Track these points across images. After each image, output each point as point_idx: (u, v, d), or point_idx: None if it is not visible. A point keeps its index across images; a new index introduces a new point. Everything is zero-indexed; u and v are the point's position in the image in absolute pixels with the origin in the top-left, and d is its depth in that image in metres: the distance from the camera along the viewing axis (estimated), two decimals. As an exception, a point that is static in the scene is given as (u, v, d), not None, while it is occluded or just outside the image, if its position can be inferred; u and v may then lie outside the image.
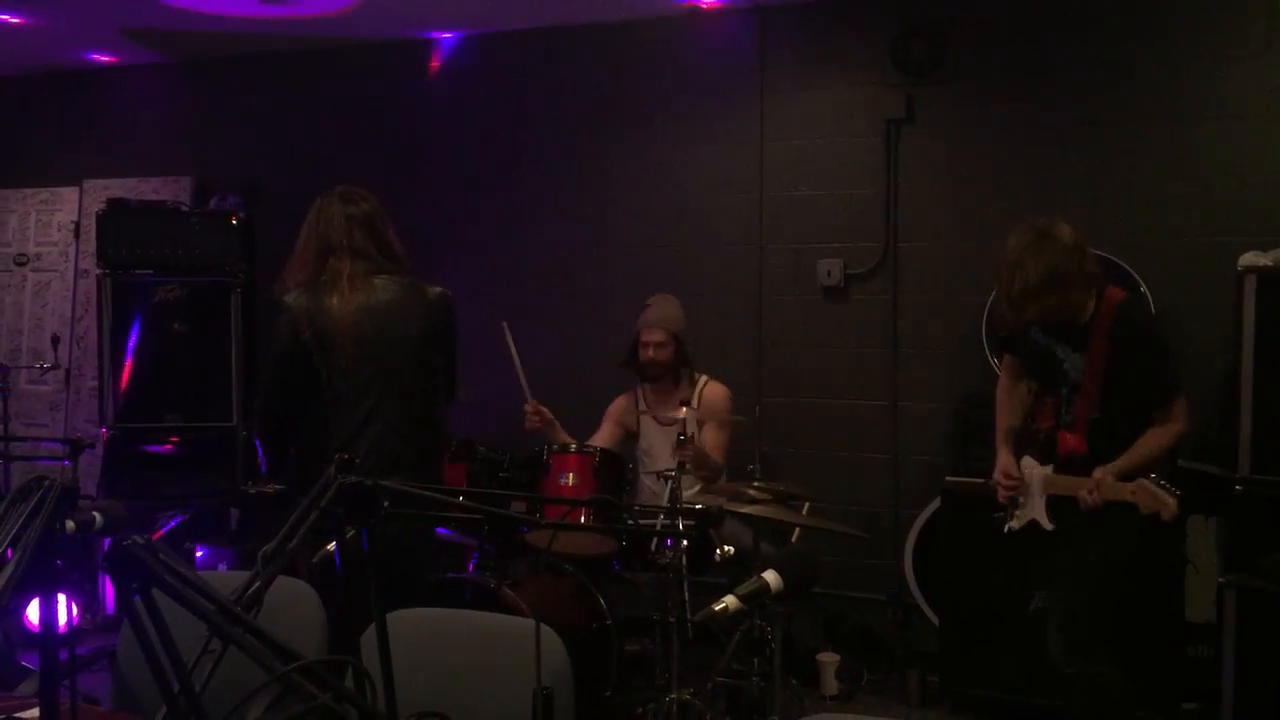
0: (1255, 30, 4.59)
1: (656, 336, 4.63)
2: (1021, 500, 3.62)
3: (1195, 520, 4.27)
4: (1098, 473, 3.36)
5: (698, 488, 4.42)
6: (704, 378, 4.76)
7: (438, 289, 3.43)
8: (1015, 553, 3.81)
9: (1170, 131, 4.72)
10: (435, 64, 6.06)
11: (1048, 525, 3.52)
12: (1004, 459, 3.68)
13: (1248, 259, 4.12)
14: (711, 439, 4.57)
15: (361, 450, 3.26)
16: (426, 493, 1.69)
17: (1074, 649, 3.45)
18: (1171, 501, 3.24)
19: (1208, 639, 4.18)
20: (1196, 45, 4.69)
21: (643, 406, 4.79)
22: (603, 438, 4.78)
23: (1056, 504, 3.52)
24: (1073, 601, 3.49)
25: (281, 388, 3.37)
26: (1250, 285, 4.02)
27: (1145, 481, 3.28)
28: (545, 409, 4.53)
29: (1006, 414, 3.78)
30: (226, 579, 2.87)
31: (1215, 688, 4.02)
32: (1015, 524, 3.65)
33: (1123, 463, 3.38)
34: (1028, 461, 3.62)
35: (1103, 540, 3.46)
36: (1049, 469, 3.54)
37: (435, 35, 6.00)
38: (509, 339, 4.43)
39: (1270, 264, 4.07)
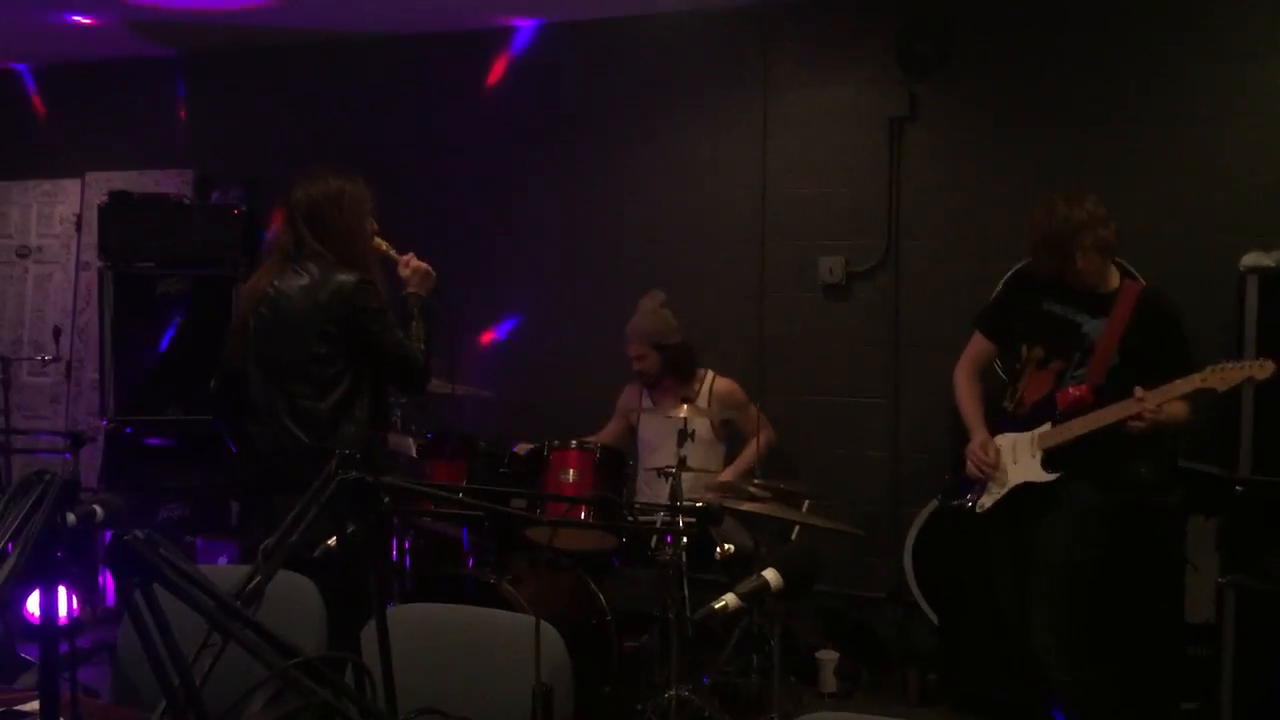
0: (1262, 31, 4.58)
1: (635, 350, 4.72)
2: (995, 475, 3.56)
3: (1195, 520, 4.27)
4: (1137, 391, 3.28)
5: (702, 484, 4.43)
6: (710, 373, 4.79)
7: (346, 278, 3.30)
8: (998, 543, 3.73)
9: (1174, 132, 4.72)
10: (441, 59, 6.05)
11: (1048, 477, 3.45)
12: (982, 433, 3.65)
13: (1250, 259, 4.12)
14: (751, 422, 4.65)
15: (262, 434, 3.35)
16: (426, 490, 1.68)
17: (1066, 649, 3.42)
18: (1267, 363, 3.21)
19: (1207, 639, 4.18)
20: (1202, 46, 4.68)
21: (646, 401, 4.81)
22: (608, 432, 4.83)
23: (1031, 491, 3.48)
24: (1061, 600, 3.45)
25: (220, 369, 3.49)
26: (1253, 285, 4.02)
27: (1214, 366, 3.23)
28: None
29: (973, 397, 3.76)
30: (227, 573, 2.87)
31: (1214, 688, 4.02)
32: (988, 501, 3.59)
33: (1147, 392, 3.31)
34: (1004, 436, 3.59)
35: (1085, 534, 3.44)
36: (1045, 427, 3.49)
37: (439, 30, 5.99)
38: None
39: (1273, 264, 4.06)
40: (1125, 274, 3.70)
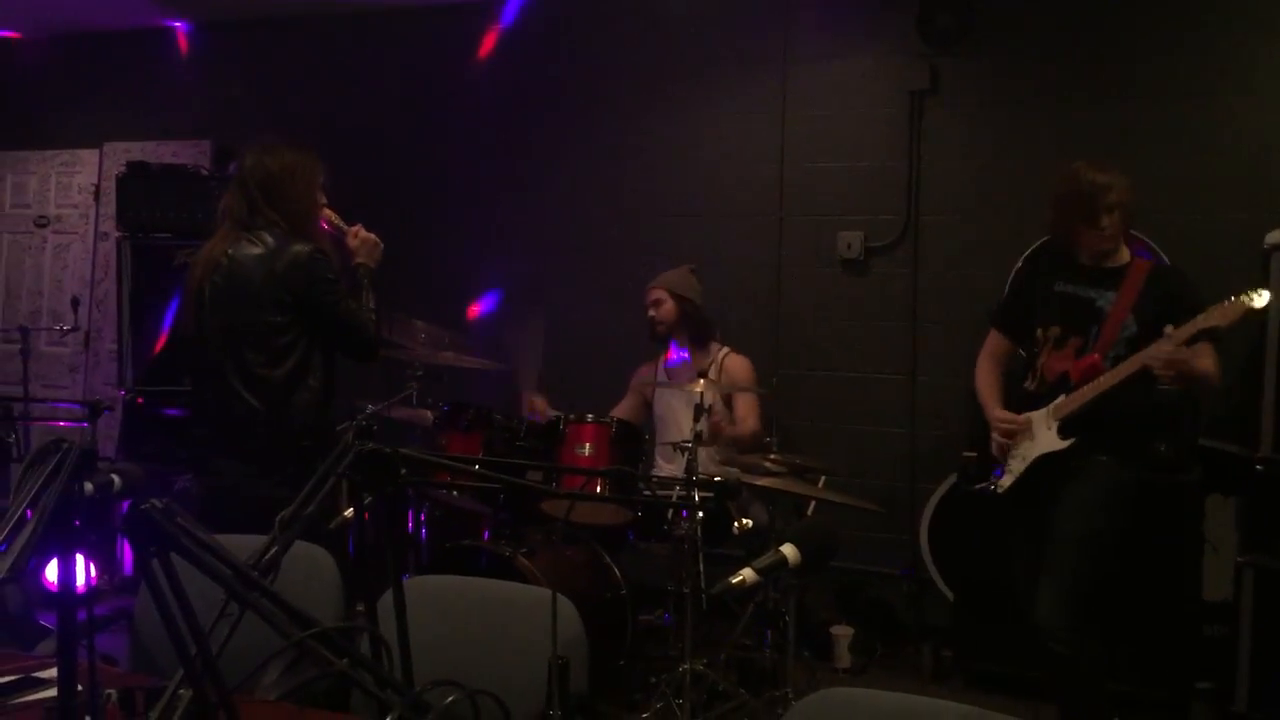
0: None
1: (653, 295, 4.72)
2: (1010, 460, 3.56)
3: (1214, 499, 4.25)
4: (1166, 328, 3.24)
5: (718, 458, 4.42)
6: (725, 349, 4.77)
7: (302, 248, 3.33)
8: (1018, 525, 3.67)
9: (1198, 108, 4.67)
10: (457, 30, 6.01)
11: (1062, 444, 3.42)
12: (1000, 409, 3.64)
13: (1274, 237, 4.08)
14: (745, 407, 4.61)
15: (210, 402, 3.40)
16: (444, 460, 1.68)
17: (1075, 625, 3.37)
18: (1263, 291, 3.18)
19: (1224, 618, 4.16)
20: (1227, 21, 4.63)
21: (661, 376, 4.79)
22: (624, 408, 4.82)
23: (1050, 464, 3.44)
24: (1077, 575, 3.41)
25: (184, 339, 3.57)
26: (1276, 263, 3.99)
27: (1210, 307, 3.19)
28: (541, 402, 4.61)
29: (993, 384, 3.77)
30: (243, 543, 2.88)
31: (1231, 667, 4.01)
32: (1007, 480, 3.58)
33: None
34: (1026, 415, 3.56)
35: (1105, 506, 3.40)
36: (1060, 399, 3.47)
37: (457, 4, 5.95)
38: (536, 335, 4.49)
39: (1297, 242, 4.03)
40: (1138, 253, 3.67)
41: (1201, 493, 4.24)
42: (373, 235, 3.57)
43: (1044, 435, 3.49)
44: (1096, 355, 3.41)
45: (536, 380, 4.61)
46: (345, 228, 3.57)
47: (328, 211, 3.55)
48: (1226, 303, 3.19)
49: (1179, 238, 4.55)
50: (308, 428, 3.36)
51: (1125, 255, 3.57)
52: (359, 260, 3.54)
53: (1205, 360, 3.27)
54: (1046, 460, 3.46)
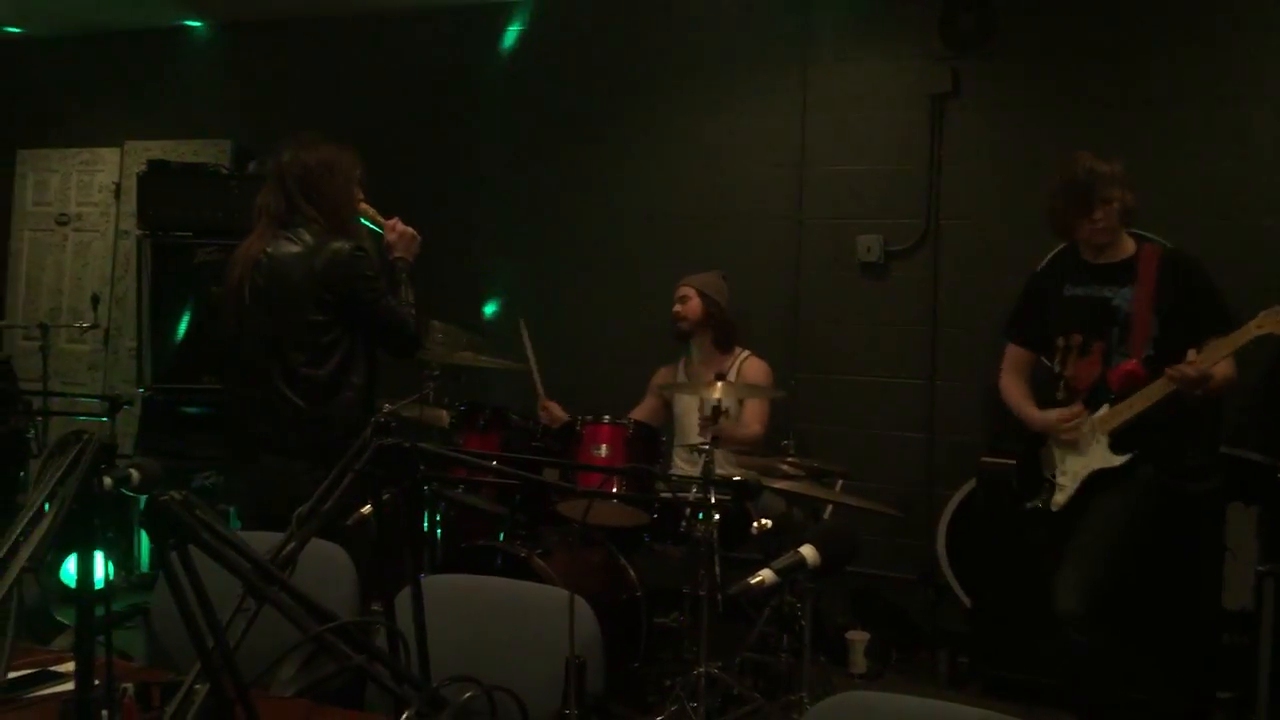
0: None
1: (682, 291, 4.75)
2: (1060, 476, 3.49)
3: (1235, 507, 4.21)
4: (1190, 354, 3.20)
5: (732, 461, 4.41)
6: (745, 353, 4.78)
7: (342, 245, 3.32)
8: (1050, 534, 3.64)
9: (1219, 112, 4.63)
10: (476, 30, 6.02)
11: (1118, 460, 3.36)
12: (1050, 412, 3.55)
13: (1298, 242, 4.05)
14: (751, 411, 4.62)
15: (251, 401, 3.37)
16: (462, 455, 1.67)
17: (1090, 614, 3.34)
18: None
19: (1245, 627, 4.12)
20: (1247, 24, 4.59)
21: (681, 378, 4.80)
22: (643, 409, 4.83)
23: (1102, 477, 3.39)
24: (1097, 563, 3.38)
25: (221, 338, 3.51)
26: (1303, 271, 3.95)
27: (1268, 310, 3.11)
28: (556, 407, 4.58)
29: (1025, 395, 3.69)
30: (261, 539, 2.88)
31: (1251, 677, 3.96)
32: (1062, 497, 3.50)
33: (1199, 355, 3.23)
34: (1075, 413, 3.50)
35: (1135, 503, 3.38)
36: (1103, 410, 3.40)
37: (477, 3, 5.96)
38: (525, 338, 4.50)
39: (1321, 248, 4.00)
40: (1142, 239, 3.63)
41: (1222, 500, 4.20)
42: (410, 229, 3.55)
43: (1094, 450, 3.42)
44: (1135, 362, 3.35)
45: (540, 383, 4.60)
46: (383, 221, 3.55)
47: (365, 206, 3.53)
48: (1259, 320, 3.11)
49: (1201, 241, 4.50)
50: (352, 425, 3.33)
51: (1129, 246, 3.51)
52: (397, 254, 3.51)
53: (1225, 366, 3.24)
54: (1100, 475, 3.41)
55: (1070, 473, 3.47)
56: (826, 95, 5.32)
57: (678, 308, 4.75)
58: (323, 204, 3.38)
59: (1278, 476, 3.97)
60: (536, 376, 4.60)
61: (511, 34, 5.97)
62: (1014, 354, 3.77)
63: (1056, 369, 3.58)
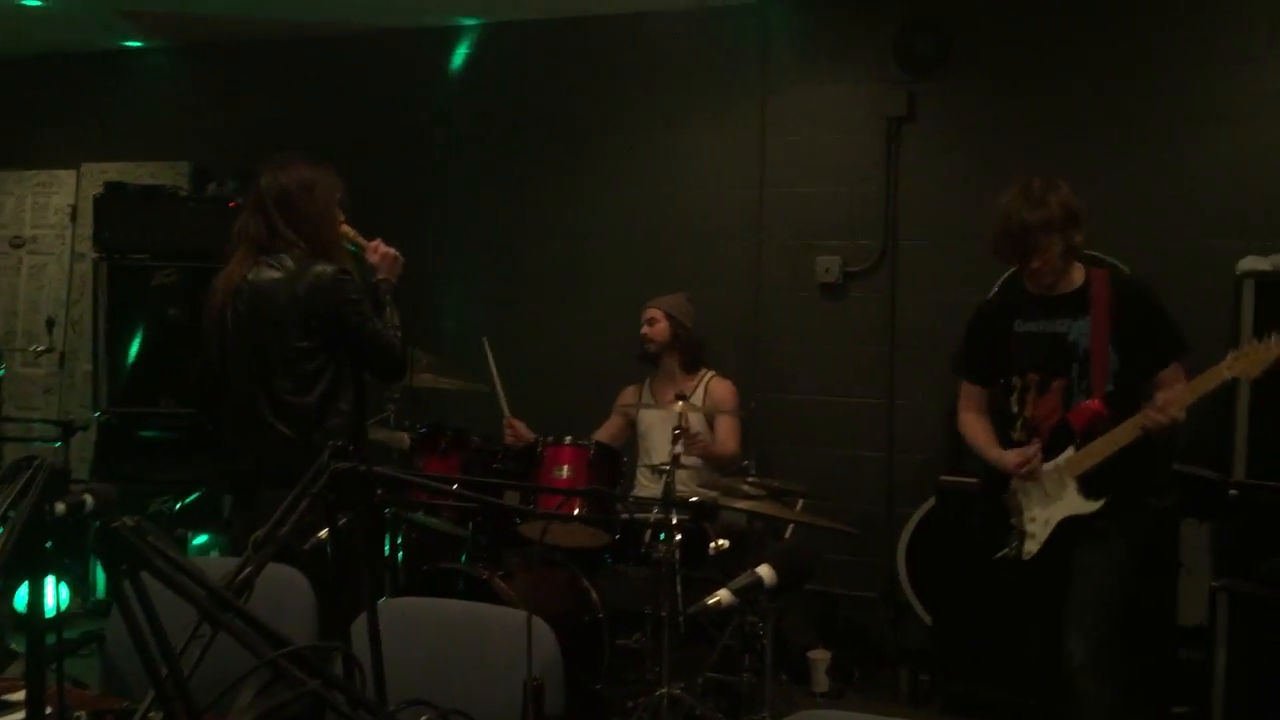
0: (1256, 34, 4.59)
1: (649, 314, 4.79)
2: (1029, 523, 3.31)
3: (1189, 523, 4.27)
4: (1158, 398, 3.10)
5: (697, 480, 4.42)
6: (710, 373, 4.82)
7: (324, 269, 3.26)
8: (1020, 580, 3.44)
9: (1171, 134, 4.72)
10: (435, 53, 6.03)
11: (1091, 506, 3.21)
12: (1012, 452, 3.35)
13: (1247, 263, 4.12)
14: (726, 430, 4.66)
15: (245, 429, 3.31)
16: (420, 480, 1.67)
17: (1099, 661, 3.19)
18: None
19: (1199, 643, 4.18)
20: (1198, 47, 4.68)
21: (646, 398, 4.82)
22: (607, 429, 4.84)
23: (1074, 523, 3.25)
24: (1099, 606, 3.23)
25: (200, 363, 3.46)
26: (1249, 290, 4.01)
27: (1236, 351, 3.05)
28: (521, 425, 4.57)
29: (986, 432, 3.49)
30: (217, 564, 2.85)
31: (1206, 692, 4.02)
32: (1033, 546, 3.31)
33: (1163, 395, 3.12)
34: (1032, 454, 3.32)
35: (1126, 534, 3.25)
36: (1068, 453, 3.25)
37: (436, 25, 5.97)
38: (489, 356, 4.49)
39: (1269, 269, 4.07)
40: (1092, 261, 3.51)
41: (1176, 517, 4.26)
42: (392, 250, 3.50)
43: (1064, 496, 3.27)
44: (1097, 401, 3.21)
45: (505, 401, 4.59)
46: (364, 243, 3.50)
47: (346, 228, 3.48)
48: (1249, 348, 3.03)
49: (1152, 263, 4.59)
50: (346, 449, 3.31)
51: (1079, 275, 3.35)
52: (380, 276, 3.46)
53: (1184, 398, 3.12)
54: (1072, 521, 3.27)
55: (1040, 520, 3.31)
56: (785, 118, 5.37)
57: (645, 330, 4.77)
58: (303, 226, 3.32)
59: (1230, 493, 4.02)
60: (501, 394, 4.58)
61: (460, 56, 5.97)
62: (968, 390, 3.61)
63: (1014, 409, 3.40)
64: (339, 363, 3.32)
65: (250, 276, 3.30)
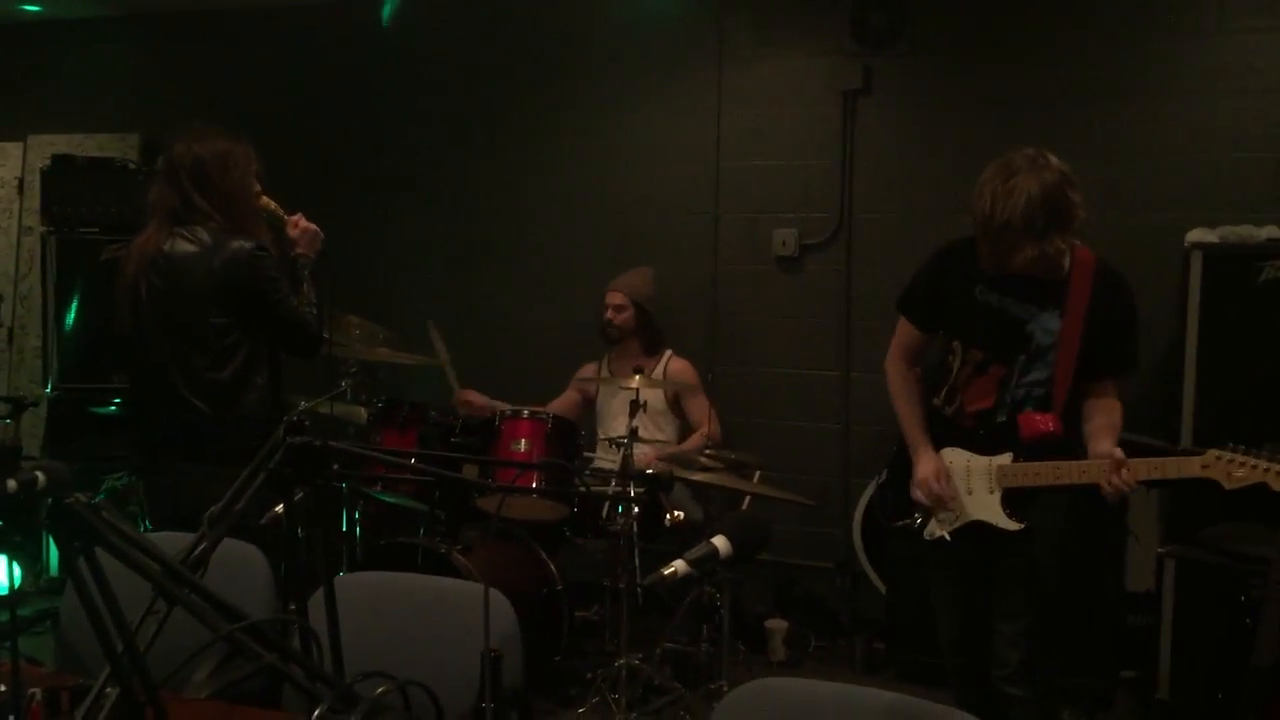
0: (1206, 11, 4.63)
1: (616, 299, 4.80)
2: (950, 502, 3.08)
3: (1137, 492, 4.33)
4: (1116, 453, 2.85)
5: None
6: (669, 352, 4.85)
7: (241, 244, 3.22)
8: (929, 556, 3.27)
9: (1122, 109, 4.76)
10: (382, 20, 5.94)
11: (1012, 526, 2.99)
12: (929, 456, 3.12)
13: (1194, 235, 4.19)
14: (699, 410, 4.70)
15: (159, 403, 3.29)
16: (377, 454, 1.67)
17: (1027, 669, 3.05)
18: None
19: (1147, 609, 4.27)
20: (1148, 24, 4.73)
21: (605, 374, 4.84)
22: (562, 402, 4.86)
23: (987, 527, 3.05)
24: (1030, 617, 3.06)
25: (120, 339, 3.41)
26: (1196, 261, 4.07)
27: (1219, 452, 2.78)
28: (474, 394, 4.59)
29: (913, 402, 3.22)
30: (173, 540, 2.84)
31: (1153, 656, 4.11)
32: (941, 530, 3.10)
33: (1112, 444, 2.89)
34: (953, 453, 3.11)
35: (1055, 539, 3.07)
36: (1005, 458, 3.00)
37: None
38: (436, 336, 4.51)
39: (1216, 241, 4.13)
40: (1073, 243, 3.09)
41: (1125, 485, 4.33)
42: (313, 225, 3.46)
43: (984, 498, 3.04)
44: (1054, 419, 2.96)
45: (453, 377, 4.61)
46: (285, 216, 3.46)
47: (266, 200, 3.43)
48: (1240, 459, 2.77)
49: (1103, 235, 4.63)
50: (258, 426, 3.25)
51: (1064, 262, 2.98)
52: (299, 251, 3.42)
53: (1145, 474, 2.88)
54: (984, 527, 3.05)
55: (955, 510, 3.09)
56: (741, 91, 5.37)
57: (610, 315, 4.77)
58: (218, 199, 3.27)
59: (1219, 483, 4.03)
60: (450, 372, 4.59)
61: (388, 16, 5.84)
62: (907, 332, 3.28)
63: (950, 372, 3.14)
64: (255, 338, 3.29)
65: (166, 249, 3.25)
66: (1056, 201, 2.87)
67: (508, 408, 4.39)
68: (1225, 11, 4.61)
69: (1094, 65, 4.81)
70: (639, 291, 4.78)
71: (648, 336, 4.81)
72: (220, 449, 3.15)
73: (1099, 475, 2.89)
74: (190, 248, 3.24)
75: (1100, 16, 4.80)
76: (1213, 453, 2.82)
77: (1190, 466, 2.84)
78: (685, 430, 4.82)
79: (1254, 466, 2.77)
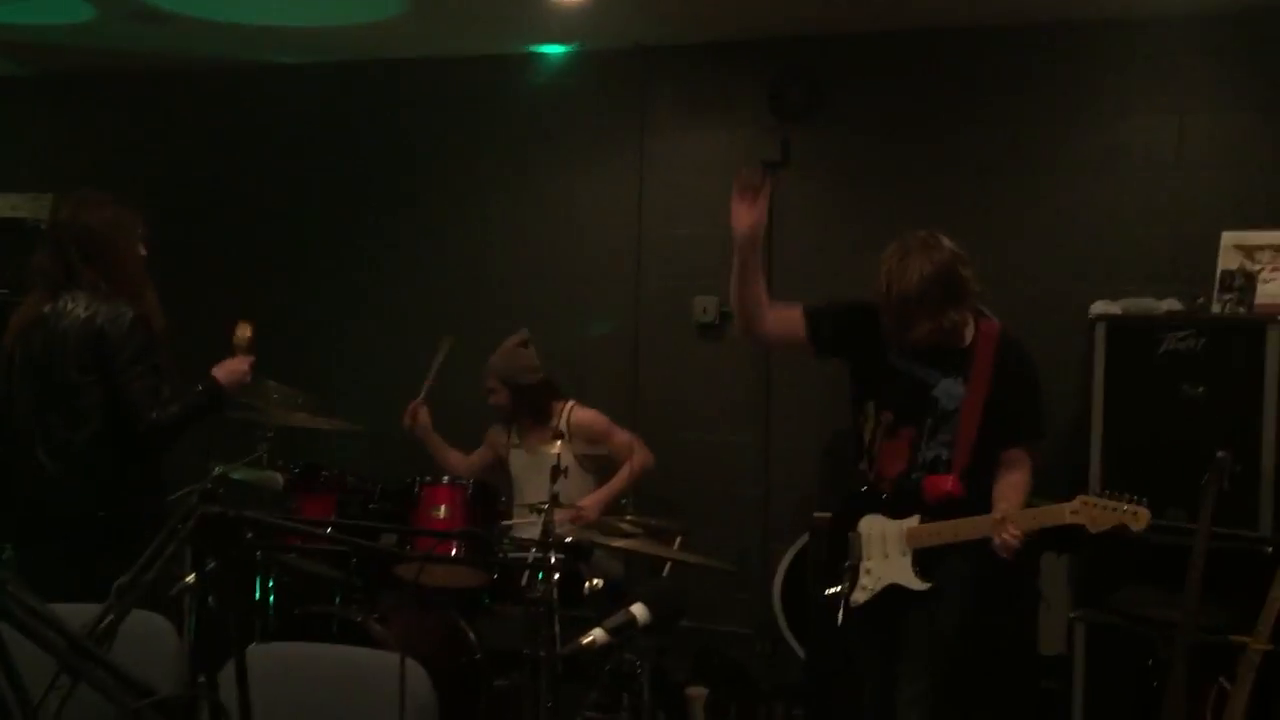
0: (1109, 94, 4.83)
1: (489, 382, 4.75)
2: (864, 573, 3.19)
3: (1048, 556, 4.42)
4: (1001, 509, 3.05)
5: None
6: (570, 404, 4.81)
7: (125, 311, 3.21)
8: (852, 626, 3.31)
9: (1030, 184, 4.94)
10: (311, 91, 5.96)
11: (919, 585, 3.14)
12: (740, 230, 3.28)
13: (1098, 307, 4.32)
14: (620, 442, 4.71)
15: (24, 467, 3.24)
16: (292, 525, 1.66)
17: None
18: (1142, 512, 2.94)
19: (1059, 672, 4.33)
20: (1054, 105, 4.91)
21: (514, 440, 4.81)
22: (476, 459, 4.85)
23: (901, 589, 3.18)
24: (927, 680, 3.17)
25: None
26: (1100, 332, 4.20)
27: (1087, 498, 3.00)
28: (425, 414, 4.68)
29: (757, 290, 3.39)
30: (80, 611, 2.76)
31: (1066, 719, 4.16)
32: (861, 597, 3.21)
33: (1013, 502, 3.10)
34: (870, 521, 3.24)
35: (957, 600, 3.18)
36: (914, 520, 3.17)
37: (309, 61, 5.91)
38: (441, 354, 4.75)
39: (1119, 312, 4.27)
40: (978, 314, 3.35)
41: (1036, 550, 4.41)
42: (246, 371, 3.44)
43: (897, 560, 3.17)
44: (954, 481, 3.14)
45: (425, 391, 4.70)
46: (247, 348, 3.44)
47: (245, 326, 3.42)
48: (1102, 504, 2.98)
49: (1009, 305, 4.75)
50: (110, 494, 3.19)
51: (968, 333, 3.21)
52: (220, 377, 3.38)
53: (1025, 524, 3.09)
54: (899, 588, 3.19)
55: (874, 574, 3.21)
56: (663, 160, 5.45)
57: (489, 399, 4.77)
58: (105, 267, 3.25)
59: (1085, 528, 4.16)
60: (426, 386, 4.69)
61: (346, 96, 5.91)
62: (791, 315, 3.43)
63: (865, 439, 3.31)
64: (116, 402, 3.23)
65: (45, 311, 3.22)
66: (948, 278, 3.09)
67: (445, 447, 4.63)
68: (1126, 95, 4.82)
69: (1004, 142, 4.98)
70: (503, 372, 4.72)
71: (531, 408, 4.77)
72: (70, 517, 3.12)
73: (990, 530, 3.04)
74: (74, 312, 3.20)
75: (1009, 98, 4.98)
76: (1080, 499, 3.04)
77: (1060, 514, 3.05)
78: (610, 473, 4.79)
79: (1114, 510, 2.98)
